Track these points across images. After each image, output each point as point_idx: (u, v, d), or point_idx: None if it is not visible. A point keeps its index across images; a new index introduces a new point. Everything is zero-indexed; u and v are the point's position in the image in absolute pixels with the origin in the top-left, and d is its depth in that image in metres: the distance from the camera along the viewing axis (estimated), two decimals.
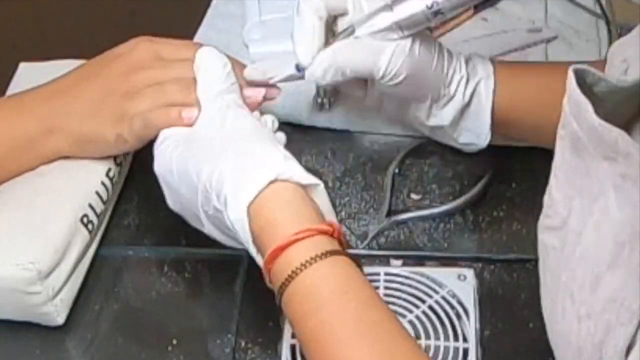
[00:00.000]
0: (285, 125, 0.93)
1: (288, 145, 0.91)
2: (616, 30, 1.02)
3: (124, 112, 0.78)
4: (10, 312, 0.77)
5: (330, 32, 0.79)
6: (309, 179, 0.69)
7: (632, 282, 0.52)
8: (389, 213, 0.85)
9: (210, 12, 1.06)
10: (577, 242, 0.58)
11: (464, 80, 0.81)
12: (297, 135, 0.93)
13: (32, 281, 0.74)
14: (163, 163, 0.75)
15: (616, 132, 0.54)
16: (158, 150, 0.75)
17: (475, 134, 0.84)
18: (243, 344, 0.77)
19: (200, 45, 0.80)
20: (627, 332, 0.53)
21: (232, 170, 0.68)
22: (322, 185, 0.69)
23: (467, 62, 0.82)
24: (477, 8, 1.05)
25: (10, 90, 0.92)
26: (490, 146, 0.87)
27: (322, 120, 0.93)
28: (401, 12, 0.75)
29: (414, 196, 0.88)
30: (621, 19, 1.03)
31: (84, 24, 1.06)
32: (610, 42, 0.99)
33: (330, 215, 0.70)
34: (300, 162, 0.90)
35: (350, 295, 0.64)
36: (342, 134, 0.93)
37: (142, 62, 0.80)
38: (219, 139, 0.72)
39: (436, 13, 0.74)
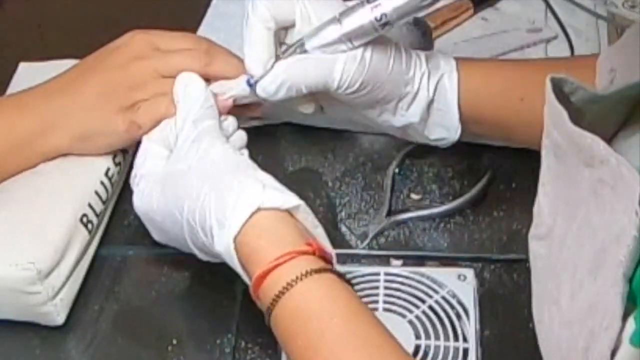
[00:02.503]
0: (286, 125, 0.93)
1: (288, 146, 0.92)
2: (616, 31, 1.02)
3: (132, 102, 0.79)
4: (10, 312, 0.77)
5: (279, 46, 0.79)
6: (288, 202, 0.69)
7: (611, 286, 0.53)
8: (389, 213, 0.86)
9: (210, 12, 1.06)
10: (561, 249, 0.58)
11: (425, 75, 0.80)
12: (297, 135, 0.93)
13: (32, 281, 0.74)
14: (144, 203, 0.77)
15: (591, 138, 0.54)
16: (137, 189, 0.77)
17: (446, 128, 0.83)
18: (243, 344, 0.77)
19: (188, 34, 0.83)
20: (609, 336, 0.53)
21: (213, 206, 0.70)
22: (302, 204, 0.70)
23: (427, 59, 0.81)
24: (477, 8, 1.05)
25: (10, 90, 0.92)
26: (490, 146, 0.87)
27: (322, 120, 0.93)
28: (349, 25, 0.75)
29: (414, 196, 0.88)
30: (621, 19, 1.03)
31: (84, 24, 1.06)
32: (610, 42, 0.99)
33: (314, 232, 0.71)
34: (300, 162, 0.91)
35: (333, 311, 0.65)
36: (342, 134, 0.93)
37: (140, 52, 0.80)
38: (196, 174, 0.73)
39: (384, 24, 0.74)
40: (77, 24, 1.06)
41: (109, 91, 0.79)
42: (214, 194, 0.70)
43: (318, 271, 0.66)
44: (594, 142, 0.54)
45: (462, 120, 0.82)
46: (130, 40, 0.81)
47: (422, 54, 0.81)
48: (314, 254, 0.68)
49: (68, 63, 0.84)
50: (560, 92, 0.58)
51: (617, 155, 0.53)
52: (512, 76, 0.83)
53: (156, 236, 0.79)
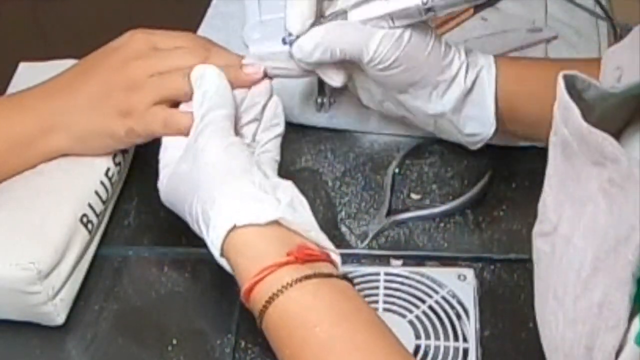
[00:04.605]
0: (286, 126, 0.93)
1: (288, 146, 0.92)
2: (616, 30, 1.02)
3: (131, 107, 0.79)
4: (10, 312, 0.77)
5: (322, 16, 0.79)
6: (263, 218, 0.68)
7: (618, 286, 0.53)
8: (389, 213, 0.85)
9: (210, 12, 1.06)
10: (566, 247, 0.58)
11: (464, 66, 0.81)
12: (297, 135, 0.93)
13: (32, 281, 0.74)
14: (164, 198, 0.78)
15: (603, 137, 0.54)
16: (159, 181, 0.78)
17: (480, 122, 0.83)
18: (243, 344, 0.76)
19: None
20: (615, 336, 0.53)
21: (201, 219, 0.71)
22: (282, 216, 0.69)
23: (467, 52, 0.82)
24: (477, 8, 1.05)
25: (10, 90, 0.92)
26: (490, 146, 0.87)
27: (322, 120, 0.93)
28: (396, 4, 0.76)
29: (414, 196, 0.88)
30: (621, 19, 1.03)
31: (83, 24, 1.06)
32: (610, 42, 0.99)
33: (307, 236, 0.70)
34: (300, 162, 0.91)
35: (315, 319, 0.65)
36: (342, 134, 0.93)
37: (139, 52, 0.80)
38: (189, 181, 0.73)
39: (428, 10, 0.75)
40: (77, 24, 1.06)
41: (107, 92, 0.79)
42: (200, 207, 0.71)
43: (299, 280, 0.66)
44: (605, 141, 0.54)
45: (497, 116, 0.82)
46: (129, 39, 0.81)
47: (462, 47, 0.82)
48: (295, 262, 0.67)
49: (68, 63, 0.84)
50: (573, 89, 0.58)
51: (628, 154, 0.52)
52: (546, 76, 0.82)
53: None
